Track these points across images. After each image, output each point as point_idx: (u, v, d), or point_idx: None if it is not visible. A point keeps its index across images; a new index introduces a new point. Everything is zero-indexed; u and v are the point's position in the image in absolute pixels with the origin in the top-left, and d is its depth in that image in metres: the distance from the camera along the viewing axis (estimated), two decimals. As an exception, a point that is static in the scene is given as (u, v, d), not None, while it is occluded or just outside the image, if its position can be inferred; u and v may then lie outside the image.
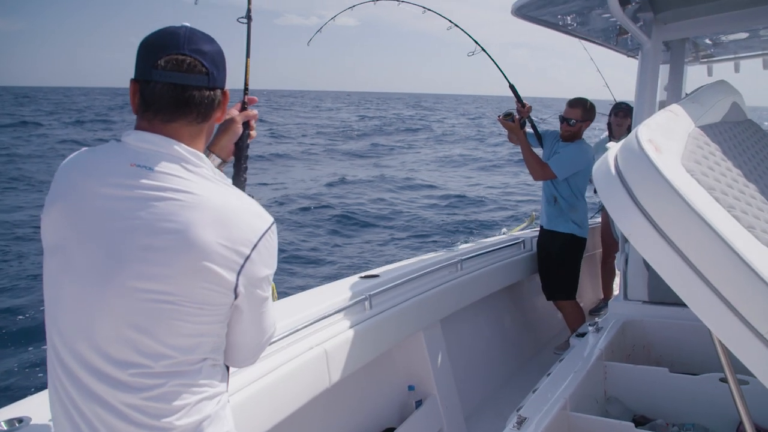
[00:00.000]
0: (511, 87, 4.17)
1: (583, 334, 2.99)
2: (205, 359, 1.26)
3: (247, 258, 1.23)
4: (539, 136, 4.28)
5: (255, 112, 1.65)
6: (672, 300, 3.03)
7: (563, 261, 4.19)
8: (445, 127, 43.34)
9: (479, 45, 4.18)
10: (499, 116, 4.20)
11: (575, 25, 3.81)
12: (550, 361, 4.27)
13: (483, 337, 3.99)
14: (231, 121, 1.59)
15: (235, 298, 1.26)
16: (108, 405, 1.18)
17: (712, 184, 1.44)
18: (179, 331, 1.20)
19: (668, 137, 1.57)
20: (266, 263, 1.29)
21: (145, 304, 1.18)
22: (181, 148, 1.25)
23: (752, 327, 1.21)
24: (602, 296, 5.43)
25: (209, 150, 1.58)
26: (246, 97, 1.66)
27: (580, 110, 4.11)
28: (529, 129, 4.25)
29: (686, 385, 2.42)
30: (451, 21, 4.14)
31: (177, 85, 1.24)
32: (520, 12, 3.40)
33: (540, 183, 4.28)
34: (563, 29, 3.84)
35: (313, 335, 2.37)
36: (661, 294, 3.08)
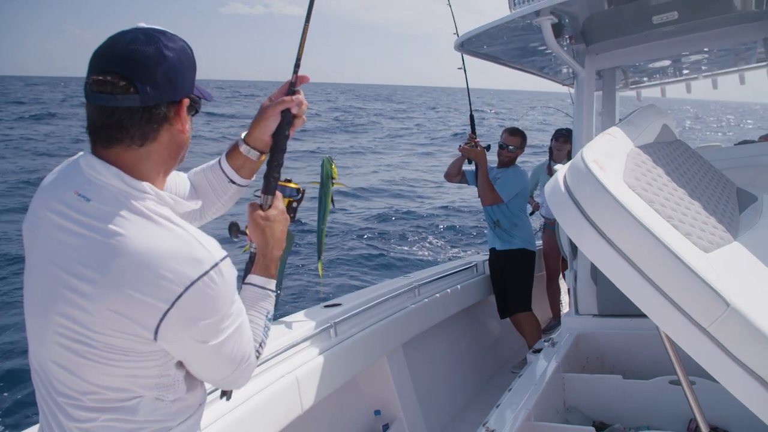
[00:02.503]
0: (471, 116, 4.37)
1: (539, 350, 3.12)
2: (141, 396, 1.18)
3: (165, 313, 1.11)
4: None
5: (295, 97, 1.49)
6: (620, 312, 3.20)
7: (517, 275, 4.40)
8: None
9: (464, 66, 4.38)
10: (461, 146, 4.36)
11: (515, 58, 4.04)
12: (509, 380, 4.37)
13: (443, 359, 4.08)
14: (265, 109, 1.48)
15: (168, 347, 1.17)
16: (59, 425, 1.20)
17: (652, 198, 1.59)
18: (104, 371, 1.14)
19: (610, 157, 1.72)
20: (195, 316, 1.14)
21: (68, 343, 1.14)
22: (120, 180, 1.16)
23: (696, 323, 1.34)
24: (551, 315, 5.61)
25: (244, 141, 1.53)
26: (294, 76, 1.50)
27: (519, 138, 4.40)
28: (471, 166, 4.46)
29: (639, 389, 2.56)
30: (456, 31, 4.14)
31: (105, 107, 1.15)
32: (463, 48, 3.59)
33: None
34: (503, 62, 4.06)
35: (282, 363, 2.41)
36: (610, 307, 3.25)
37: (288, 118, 1.50)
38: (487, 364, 4.59)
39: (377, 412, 3.14)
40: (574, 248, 3.49)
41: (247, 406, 2.13)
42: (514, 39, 3.56)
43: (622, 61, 3.79)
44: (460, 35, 3.48)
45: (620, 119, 4.56)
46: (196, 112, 1.32)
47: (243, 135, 1.56)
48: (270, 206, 1.47)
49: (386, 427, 3.11)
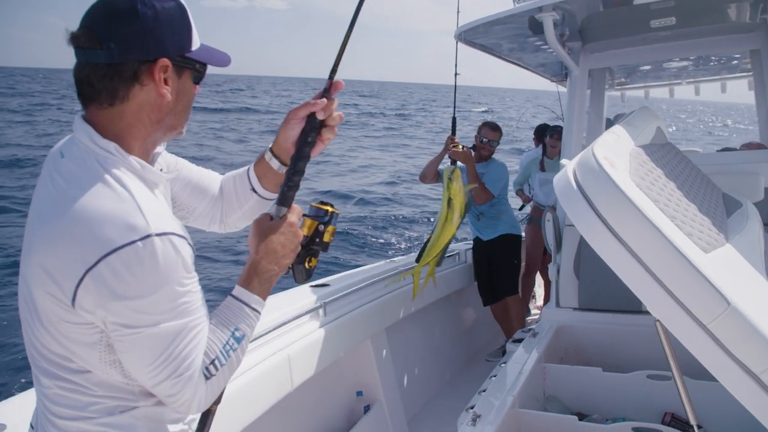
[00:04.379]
0: (454, 119, 4.42)
1: (520, 340, 3.20)
2: (90, 371, 1.13)
3: (82, 278, 1.03)
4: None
5: (320, 100, 1.36)
6: (600, 307, 3.30)
7: (505, 259, 4.50)
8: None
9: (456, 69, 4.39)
10: (453, 155, 4.38)
11: (511, 52, 4.08)
12: (483, 368, 4.52)
13: (422, 344, 4.14)
14: (290, 114, 1.39)
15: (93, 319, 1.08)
16: (38, 386, 1.20)
17: (656, 197, 1.64)
18: (47, 334, 1.11)
19: (617, 155, 1.77)
20: (113, 290, 1.03)
21: (22, 301, 1.15)
22: (89, 138, 1.13)
23: (697, 319, 1.40)
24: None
25: (271, 150, 1.44)
26: (328, 82, 1.38)
27: (499, 133, 4.53)
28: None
29: (617, 382, 2.65)
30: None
31: (78, 63, 1.14)
32: (462, 37, 3.61)
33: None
34: (498, 54, 4.10)
35: (275, 340, 2.42)
36: (590, 301, 3.33)
37: (313, 124, 1.36)
38: (462, 352, 4.67)
39: (359, 393, 3.19)
40: (558, 242, 3.57)
41: (241, 381, 2.14)
42: (513, 33, 3.59)
43: (616, 62, 3.86)
44: (460, 26, 3.50)
45: (607, 118, 4.68)
46: (199, 79, 1.26)
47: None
48: (280, 218, 1.34)
49: (367, 408, 3.16)
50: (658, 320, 1.67)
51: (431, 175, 4.51)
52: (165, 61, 1.16)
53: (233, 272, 8.38)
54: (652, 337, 2.99)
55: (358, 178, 17.65)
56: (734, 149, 4.08)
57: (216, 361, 1.18)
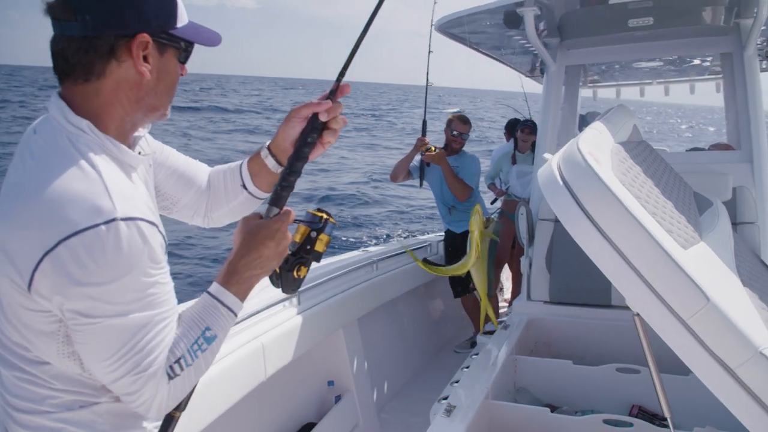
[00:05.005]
0: (424, 122, 4.45)
1: (490, 332, 3.23)
2: (48, 362, 1.07)
3: (40, 261, 0.97)
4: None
5: (325, 101, 1.29)
6: (570, 300, 3.34)
7: None
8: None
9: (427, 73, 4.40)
10: (428, 158, 4.42)
11: (489, 46, 4.10)
12: (452, 359, 4.55)
13: (392, 335, 4.15)
14: (291, 112, 1.33)
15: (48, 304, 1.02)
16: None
17: (638, 194, 1.67)
18: (8, 319, 1.06)
19: (600, 151, 1.78)
20: (72, 276, 0.97)
21: None
22: (62, 115, 1.08)
23: (677, 314, 1.43)
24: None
25: (267, 148, 1.37)
26: (335, 84, 1.30)
27: (469, 126, 4.58)
28: (415, 162, 4.56)
29: (587, 375, 2.69)
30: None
31: (54, 36, 1.09)
32: (441, 29, 3.61)
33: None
34: (477, 48, 4.11)
35: (250, 328, 2.39)
36: (561, 295, 3.38)
37: (315, 125, 1.29)
38: (431, 343, 4.70)
39: (331, 383, 3.18)
40: (531, 235, 3.60)
41: (216, 369, 2.11)
42: (492, 26, 3.60)
43: (592, 59, 3.91)
44: (441, 17, 3.50)
45: (581, 115, 4.74)
46: (186, 58, 1.20)
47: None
48: (271, 218, 1.25)
49: (338, 398, 3.15)
50: (637, 314, 1.70)
51: (402, 174, 4.57)
52: (144, 37, 1.09)
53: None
54: (620, 331, 3.07)
55: (329, 177, 17.60)
56: (702, 149, 4.18)
57: (182, 360, 1.09)
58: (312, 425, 2.92)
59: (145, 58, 1.11)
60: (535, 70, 5.11)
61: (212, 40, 1.24)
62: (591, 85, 5.78)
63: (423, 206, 14.06)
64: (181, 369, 1.09)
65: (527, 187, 4.73)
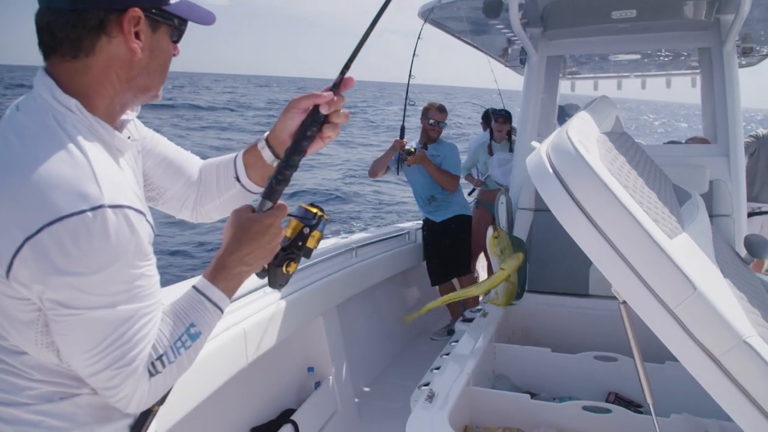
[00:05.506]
0: (402, 127, 4.49)
1: (470, 320, 3.24)
2: (26, 352, 1.03)
3: (20, 246, 0.92)
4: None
5: (326, 93, 1.24)
6: (548, 289, 3.38)
7: (458, 240, 4.57)
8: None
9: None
10: (405, 160, 4.43)
11: (471, 33, 4.09)
12: (428, 347, 4.58)
13: (370, 322, 4.16)
14: (291, 103, 1.27)
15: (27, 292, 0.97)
16: None
17: (625, 183, 1.68)
18: None
19: (589, 140, 1.79)
20: (53, 264, 0.92)
21: None
22: (48, 92, 1.03)
23: (664, 303, 1.45)
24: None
25: (265, 140, 1.33)
26: (339, 77, 1.26)
27: (446, 114, 4.61)
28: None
29: (565, 362, 2.73)
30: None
31: (42, 9, 1.05)
32: (425, 15, 3.59)
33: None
34: (459, 36, 4.10)
35: (231, 314, 2.37)
36: (539, 284, 3.41)
37: (315, 117, 1.25)
38: (408, 330, 4.72)
39: (310, 369, 3.17)
40: (510, 224, 3.62)
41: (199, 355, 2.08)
42: (475, 14, 3.60)
43: (574, 50, 3.94)
44: (424, 3, 3.48)
45: (560, 106, 4.78)
46: (179, 37, 1.16)
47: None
48: (264, 212, 1.22)
49: (317, 384, 3.14)
50: (623, 302, 1.72)
51: (381, 171, 4.59)
52: (136, 12, 1.05)
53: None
54: (597, 320, 3.11)
55: (305, 173, 17.52)
56: (679, 143, 4.25)
57: (164, 358, 1.06)
58: (291, 411, 2.91)
59: (137, 35, 1.07)
60: (509, 57, 5.12)
61: (206, 18, 1.20)
62: (570, 76, 5.82)
63: (400, 202, 14.13)
64: (163, 366, 1.06)
65: (509, 174, 4.76)
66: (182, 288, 2.54)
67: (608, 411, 2.17)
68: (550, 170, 1.62)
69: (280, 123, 1.30)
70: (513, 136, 5.23)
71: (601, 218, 1.50)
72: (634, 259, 1.47)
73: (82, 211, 0.93)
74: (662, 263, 1.45)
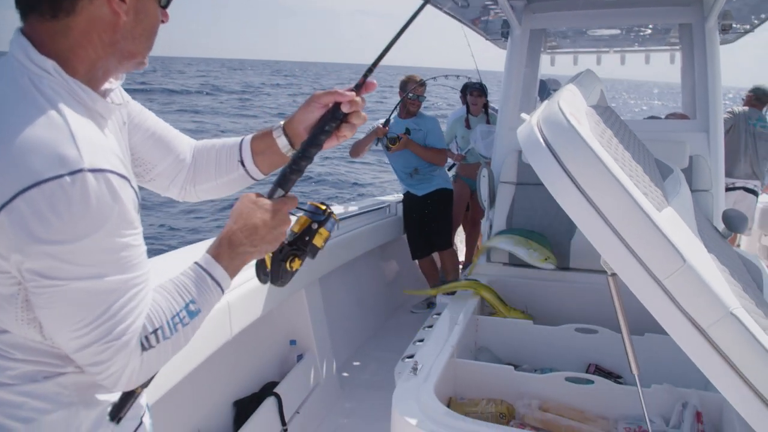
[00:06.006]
0: (388, 120, 4.46)
1: (453, 292, 3.26)
2: (5, 331, 1.00)
3: None
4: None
5: (349, 92, 1.25)
6: (529, 263, 3.40)
7: (440, 214, 4.59)
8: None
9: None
10: (389, 148, 4.42)
11: (453, 5, 4.04)
12: (408, 320, 4.61)
13: (352, 295, 4.16)
14: (313, 97, 1.28)
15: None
16: None
17: (615, 156, 1.68)
18: None
19: (579, 113, 1.79)
20: (31, 231, 0.88)
21: None
22: (24, 53, 0.98)
23: (653, 275, 1.46)
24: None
25: (282, 128, 1.31)
26: (362, 78, 1.28)
27: (425, 87, 4.61)
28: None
29: (547, 334, 2.76)
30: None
31: None
32: None
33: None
34: (440, 7, 4.04)
35: None
36: (520, 258, 3.43)
37: (336, 114, 1.25)
38: (388, 303, 4.74)
39: (293, 342, 3.17)
40: (492, 198, 3.63)
41: None
42: None
43: (557, 24, 3.92)
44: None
45: (541, 80, 4.77)
46: (167, 1, 1.11)
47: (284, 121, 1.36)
48: (274, 199, 1.21)
49: (300, 357, 3.14)
50: (612, 275, 1.74)
51: (362, 152, 4.59)
52: None
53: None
54: (577, 293, 3.14)
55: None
56: (659, 118, 4.28)
57: (159, 332, 1.02)
58: (274, 384, 2.91)
59: None
60: (490, 30, 5.08)
61: None
62: (549, 51, 5.81)
63: (377, 183, 14.12)
64: (158, 341, 1.02)
65: (491, 147, 4.76)
66: (170, 258, 2.52)
67: (590, 382, 2.21)
68: (542, 142, 1.61)
69: (300, 115, 1.29)
70: (489, 109, 5.23)
71: (593, 190, 1.50)
72: (624, 231, 1.48)
73: (60, 176, 0.88)
74: (652, 235, 1.46)
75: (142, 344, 1.00)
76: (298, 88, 51.29)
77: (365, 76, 1.28)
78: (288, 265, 1.26)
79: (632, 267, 1.48)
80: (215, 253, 1.14)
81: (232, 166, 1.38)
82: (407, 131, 4.41)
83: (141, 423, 1.23)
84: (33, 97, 0.94)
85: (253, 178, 1.40)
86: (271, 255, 1.27)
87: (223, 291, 1.14)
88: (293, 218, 1.27)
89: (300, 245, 1.27)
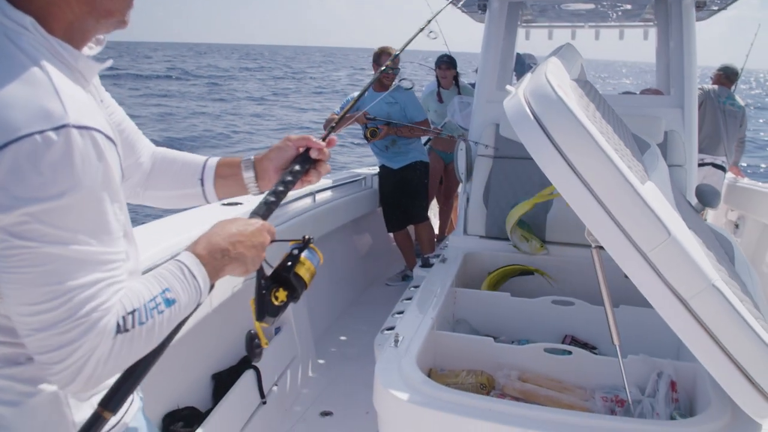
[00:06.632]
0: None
1: (430, 265, 3.27)
2: None
3: None
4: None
5: (322, 143, 1.36)
6: (505, 236, 3.43)
7: (416, 187, 4.60)
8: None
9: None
10: (369, 140, 4.39)
11: None
12: (383, 292, 4.63)
13: (328, 268, 4.15)
14: (285, 139, 1.34)
15: None
16: None
17: (600, 129, 1.69)
18: None
19: (565, 85, 1.79)
20: (8, 190, 0.84)
21: None
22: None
23: (639, 248, 1.48)
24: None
25: (253, 162, 1.35)
26: (325, 133, 1.41)
27: (399, 60, 4.46)
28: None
29: (524, 307, 2.79)
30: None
31: None
32: None
33: None
34: None
35: None
36: (497, 230, 3.46)
37: (306, 157, 1.35)
38: (363, 276, 4.75)
39: (270, 314, 3.15)
40: (469, 171, 3.64)
41: None
42: None
43: (536, -2, 3.89)
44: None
45: (518, 54, 4.75)
46: None
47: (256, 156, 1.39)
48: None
49: (278, 330, 3.13)
50: (597, 247, 1.76)
51: (338, 129, 4.47)
52: None
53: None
54: (554, 266, 3.17)
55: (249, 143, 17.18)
56: (634, 93, 4.32)
57: (136, 314, 0.94)
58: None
59: None
60: (467, 2, 5.04)
61: None
62: (525, 24, 5.79)
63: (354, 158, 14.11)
64: (133, 325, 0.93)
65: (469, 118, 4.75)
66: (141, 231, 2.47)
67: (568, 353, 2.25)
68: (530, 114, 1.61)
69: (272, 153, 1.35)
70: (460, 81, 5.22)
71: (580, 163, 1.51)
72: (611, 203, 1.49)
73: (43, 131, 0.84)
74: (639, 208, 1.47)
75: (118, 324, 0.92)
76: (269, 71, 50.73)
77: (329, 132, 1.40)
78: (273, 297, 1.22)
79: (618, 239, 1.50)
80: (192, 246, 1.10)
81: (190, 182, 1.38)
82: (388, 124, 4.36)
83: (133, 399, 1.21)
84: (11, 53, 0.89)
85: (206, 200, 1.41)
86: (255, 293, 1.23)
87: (200, 289, 1.06)
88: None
89: (283, 272, 1.25)
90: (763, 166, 14.06)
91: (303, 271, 1.27)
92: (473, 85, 5.30)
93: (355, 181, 4.58)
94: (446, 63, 5.14)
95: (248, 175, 1.36)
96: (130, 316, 0.93)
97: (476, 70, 5.61)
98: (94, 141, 0.89)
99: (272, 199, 1.26)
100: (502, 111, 1.65)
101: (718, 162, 5.21)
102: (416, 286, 2.87)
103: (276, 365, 3.06)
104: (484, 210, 3.51)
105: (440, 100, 5.22)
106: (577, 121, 1.51)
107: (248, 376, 2.76)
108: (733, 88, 5.55)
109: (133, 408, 1.21)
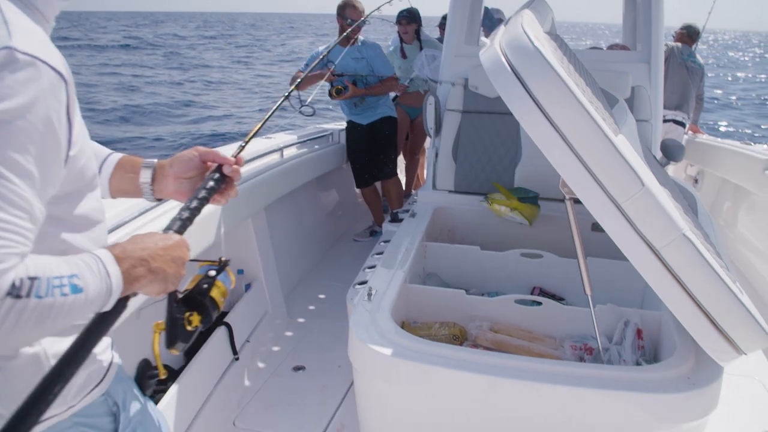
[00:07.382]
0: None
1: (400, 220, 3.28)
2: None
3: None
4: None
5: (233, 160, 1.26)
6: (474, 190, 3.45)
7: (387, 141, 4.57)
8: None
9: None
10: (333, 98, 4.27)
11: None
12: (351, 247, 4.64)
13: (296, 224, 4.13)
14: (193, 149, 1.27)
15: None
16: None
17: (576, 81, 1.69)
18: None
19: (541, 37, 1.77)
20: None
21: None
22: None
23: (613, 198, 1.50)
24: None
25: (154, 165, 1.26)
26: (237, 151, 1.34)
27: (363, 12, 4.35)
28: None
29: (493, 260, 2.83)
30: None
31: None
32: None
33: None
34: None
35: (162, 217, 2.26)
36: (465, 185, 3.48)
37: (222, 174, 1.25)
38: (332, 232, 4.74)
39: (240, 272, 3.13)
40: (438, 126, 3.62)
41: None
42: None
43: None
44: None
45: (486, 8, 4.69)
46: None
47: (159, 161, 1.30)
48: None
49: (248, 286, 3.12)
50: (570, 199, 1.78)
51: (305, 87, 4.24)
52: None
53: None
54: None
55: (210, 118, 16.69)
56: (600, 49, 4.33)
57: (36, 283, 0.81)
58: (224, 314, 2.88)
59: None
60: None
61: None
62: None
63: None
64: (28, 294, 0.80)
65: (438, 71, 4.70)
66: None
67: (538, 304, 2.30)
68: (507, 65, 1.59)
69: (176, 161, 1.26)
70: (422, 34, 5.14)
71: (557, 114, 1.51)
72: (586, 154, 1.51)
73: None
74: (613, 159, 1.49)
75: (13, 284, 0.78)
76: (232, 38, 49.38)
77: (239, 151, 1.36)
78: (186, 321, 1.12)
79: (592, 190, 1.52)
80: (109, 248, 0.98)
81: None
82: (354, 82, 4.27)
83: (112, 358, 1.19)
84: None
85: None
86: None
87: (111, 284, 0.93)
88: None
89: (197, 295, 1.17)
90: (710, 123, 14.54)
91: (217, 295, 1.21)
92: (441, 40, 5.24)
93: (323, 136, 4.53)
94: (406, 18, 5.04)
95: (145, 177, 1.26)
96: (29, 282, 0.80)
97: (439, 25, 5.54)
98: (39, 72, 0.84)
99: (186, 215, 1.18)
100: (471, 65, 1.64)
101: (679, 118, 5.30)
102: (386, 241, 2.88)
103: (247, 321, 3.06)
104: (453, 165, 3.51)
105: (404, 56, 5.15)
106: (554, 72, 1.50)
107: (220, 332, 2.76)
108: (694, 46, 5.61)
109: (112, 369, 1.19)
